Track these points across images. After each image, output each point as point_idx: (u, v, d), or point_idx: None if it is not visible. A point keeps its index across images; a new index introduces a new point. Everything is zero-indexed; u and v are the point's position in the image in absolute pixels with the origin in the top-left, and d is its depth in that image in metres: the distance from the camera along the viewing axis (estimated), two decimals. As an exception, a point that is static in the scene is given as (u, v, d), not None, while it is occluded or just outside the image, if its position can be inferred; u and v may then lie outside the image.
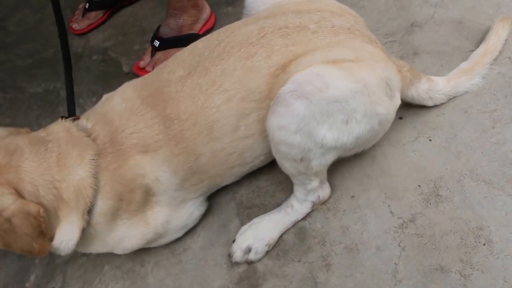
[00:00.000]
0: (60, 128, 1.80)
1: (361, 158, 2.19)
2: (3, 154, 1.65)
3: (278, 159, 1.87)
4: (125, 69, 2.78)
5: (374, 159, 2.19)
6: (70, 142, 1.74)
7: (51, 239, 1.72)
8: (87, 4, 2.99)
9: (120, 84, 2.54)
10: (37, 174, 1.65)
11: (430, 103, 2.26)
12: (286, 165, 1.86)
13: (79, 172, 1.70)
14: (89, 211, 1.74)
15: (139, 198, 1.82)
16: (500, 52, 2.41)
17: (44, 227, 1.63)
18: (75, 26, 2.97)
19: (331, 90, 1.70)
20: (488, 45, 2.37)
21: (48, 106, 2.69)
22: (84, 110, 2.54)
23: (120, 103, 1.85)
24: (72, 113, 1.98)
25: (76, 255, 2.16)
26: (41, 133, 1.80)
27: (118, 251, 1.97)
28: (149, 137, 1.79)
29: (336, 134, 1.77)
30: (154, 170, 1.81)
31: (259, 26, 1.86)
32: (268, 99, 1.79)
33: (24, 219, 1.59)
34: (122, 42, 2.93)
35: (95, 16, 2.99)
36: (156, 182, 1.82)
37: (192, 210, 2.02)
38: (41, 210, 1.62)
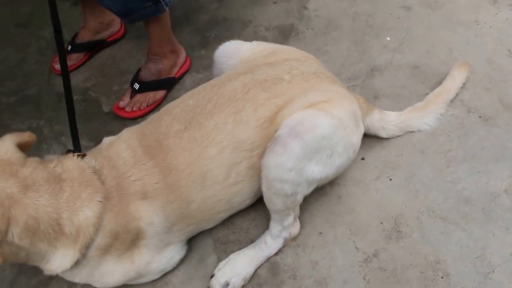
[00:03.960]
0: (74, 166, 1.88)
1: (328, 197, 2.33)
2: (21, 187, 1.71)
3: (268, 196, 2.01)
4: (105, 108, 2.86)
5: (339, 198, 2.32)
6: (83, 184, 1.83)
7: (45, 261, 1.80)
8: (69, 47, 3.08)
9: (100, 123, 2.67)
10: (45, 213, 1.72)
11: (383, 134, 2.46)
12: (276, 201, 2.01)
13: (85, 212, 1.79)
14: (87, 246, 1.83)
15: (131, 238, 1.93)
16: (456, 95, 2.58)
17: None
18: (58, 66, 3.01)
19: (319, 129, 1.90)
20: (443, 87, 2.56)
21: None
22: (66, 147, 2.63)
23: (125, 150, 1.96)
24: (78, 150, 2.05)
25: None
26: (57, 168, 1.85)
27: (99, 284, 2.04)
28: (149, 184, 1.91)
29: (322, 168, 1.97)
30: (150, 214, 1.92)
31: (242, 82, 2.04)
32: (259, 148, 1.97)
33: None
34: (102, 82, 3.01)
35: (76, 57, 3.07)
36: (150, 225, 1.94)
37: (173, 254, 2.12)
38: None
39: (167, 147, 1.95)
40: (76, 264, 1.85)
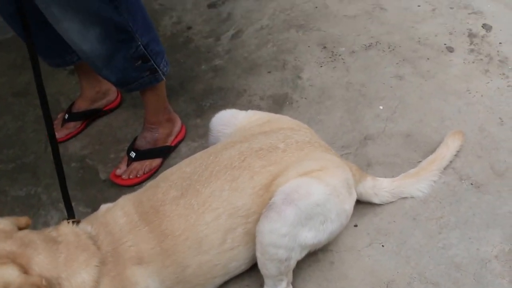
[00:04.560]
0: (70, 231, 1.92)
1: (320, 263, 2.34)
2: (19, 244, 1.76)
3: (262, 261, 2.05)
4: (102, 176, 2.89)
5: (332, 264, 2.33)
6: (79, 247, 1.87)
7: None
8: (67, 115, 3.12)
9: (97, 190, 2.70)
10: (45, 269, 1.75)
11: (376, 200, 2.48)
12: (270, 266, 2.04)
13: (83, 275, 1.82)
14: None
15: None
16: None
17: None
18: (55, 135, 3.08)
19: (313, 196, 1.97)
20: (437, 155, 2.59)
21: (30, 209, 2.76)
22: (63, 214, 2.58)
23: (121, 217, 2.00)
24: (71, 217, 2.09)
25: None
26: (52, 232, 1.91)
27: None
28: (144, 250, 1.94)
29: (315, 234, 2.03)
30: (146, 279, 1.94)
31: (238, 150, 2.10)
32: (254, 214, 2.02)
33: None
34: (99, 150, 3.04)
35: (73, 126, 3.11)
36: None
37: None
38: (43, 280, 1.70)
39: (163, 213, 1.99)
40: None
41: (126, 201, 2.10)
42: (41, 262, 1.77)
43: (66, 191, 2.19)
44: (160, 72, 2.66)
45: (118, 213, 2.03)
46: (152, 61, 2.59)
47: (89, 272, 1.84)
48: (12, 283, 1.66)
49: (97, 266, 1.86)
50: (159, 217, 1.99)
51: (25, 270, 1.72)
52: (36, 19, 2.39)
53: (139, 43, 2.49)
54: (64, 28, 2.35)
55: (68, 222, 1.98)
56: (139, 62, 2.55)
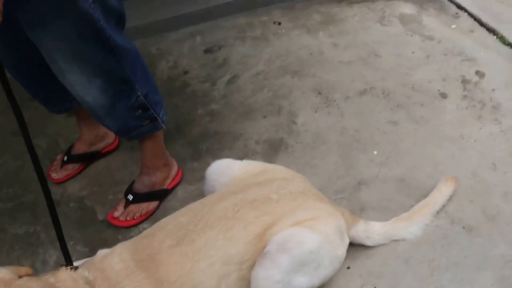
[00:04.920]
0: (67, 277, 1.95)
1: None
2: None
3: None
4: (100, 217, 2.92)
5: (325, 306, 2.36)
6: None
7: None
8: (66, 157, 3.15)
9: (95, 230, 2.75)
10: None
11: (368, 243, 2.51)
12: None
13: None
14: None
15: None
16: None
17: None
18: (54, 175, 3.12)
19: (306, 244, 2.04)
20: (429, 199, 2.63)
21: (29, 247, 2.78)
22: (61, 254, 2.68)
23: (118, 263, 2.03)
24: (69, 264, 2.12)
25: None
26: (50, 279, 1.94)
27: None
28: None
29: (309, 279, 2.10)
30: None
31: (232, 202, 2.16)
32: (248, 261, 2.06)
33: None
34: (97, 192, 3.07)
35: (72, 167, 3.15)
36: None
37: None
38: None
39: (159, 261, 2.03)
40: None
41: (123, 248, 2.13)
42: None
43: (62, 236, 2.23)
44: (159, 120, 2.71)
45: (115, 259, 2.06)
46: (152, 110, 2.64)
47: None
48: None
49: None
50: (155, 265, 2.02)
51: None
52: (40, 71, 2.52)
53: (139, 93, 2.54)
54: (69, 80, 2.40)
55: (66, 269, 2.02)
56: (139, 111, 2.60)
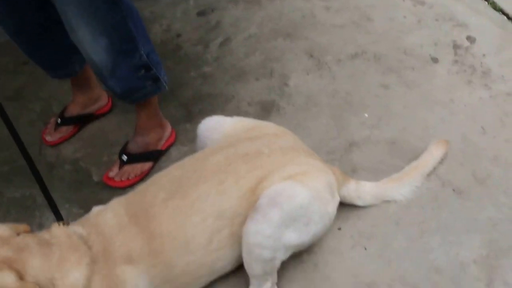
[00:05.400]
0: (62, 233, 1.97)
1: (304, 264, 2.40)
2: (15, 250, 1.82)
3: (248, 261, 2.12)
4: (95, 178, 2.94)
5: (316, 266, 2.40)
6: (71, 248, 1.92)
7: None
8: (59, 120, 3.16)
9: (90, 192, 2.76)
10: (40, 271, 1.81)
11: (359, 203, 2.56)
12: (256, 266, 2.12)
13: (75, 275, 1.87)
14: None
15: None
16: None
17: None
18: (48, 138, 3.13)
19: (296, 199, 2.05)
20: (420, 161, 2.66)
21: (25, 211, 2.81)
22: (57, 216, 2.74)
23: (111, 218, 2.06)
24: (60, 219, 2.14)
25: None
26: (45, 235, 1.97)
27: None
28: (134, 249, 2.00)
29: (299, 235, 2.11)
30: (135, 278, 2.00)
31: (225, 155, 2.17)
32: (240, 216, 2.09)
33: None
34: (91, 153, 3.09)
35: (66, 130, 3.15)
36: None
37: None
38: (37, 287, 1.77)
39: (152, 215, 2.05)
40: None
41: (116, 203, 2.16)
42: (36, 265, 1.83)
43: (49, 195, 2.26)
44: (162, 81, 2.74)
45: (108, 215, 2.09)
46: (154, 70, 2.66)
47: (81, 271, 1.90)
48: None
49: (88, 265, 1.92)
50: (148, 218, 2.05)
51: (21, 275, 1.77)
52: (41, 33, 2.58)
53: (142, 52, 2.56)
54: (78, 38, 2.42)
55: (59, 225, 2.04)
56: (142, 71, 2.62)
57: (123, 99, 2.78)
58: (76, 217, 2.26)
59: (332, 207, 2.27)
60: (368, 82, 3.28)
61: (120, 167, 2.90)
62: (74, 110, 3.18)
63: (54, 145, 3.14)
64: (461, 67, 3.29)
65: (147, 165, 2.93)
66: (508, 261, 2.36)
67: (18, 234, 1.93)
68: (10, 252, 1.81)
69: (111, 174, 2.90)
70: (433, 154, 2.71)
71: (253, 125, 2.48)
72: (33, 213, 2.80)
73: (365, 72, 3.35)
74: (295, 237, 2.10)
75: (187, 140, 3.06)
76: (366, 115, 3.07)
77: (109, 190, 2.84)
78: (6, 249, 1.81)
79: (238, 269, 2.29)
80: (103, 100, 3.26)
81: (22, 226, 2.00)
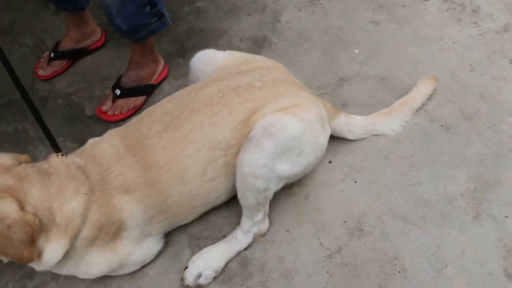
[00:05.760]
0: (60, 163, 2.02)
1: (296, 197, 2.46)
2: (16, 179, 1.86)
3: (242, 191, 2.16)
4: (88, 112, 2.95)
5: (307, 198, 2.46)
6: (69, 177, 1.97)
7: (39, 255, 1.91)
8: (52, 54, 3.15)
9: (84, 126, 2.77)
10: (39, 200, 1.86)
11: (349, 136, 2.61)
12: (249, 196, 2.16)
13: (73, 204, 1.92)
14: (75, 236, 1.96)
15: (114, 229, 2.05)
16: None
17: (35, 236, 1.82)
18: (41, 72, 3.13)
19: (289, 130, 2.08)
20: (409, 97, 2.70)
21: (18, 145, 2.82)
22: (51, 149, 2.59)
23: (108, 149, 2.10)
24: (58, 151, 2.21)
25: (46, 281, 2.30)
26: (44, 165, 2.01)
27: (84, 275, 2.17)
28: (130, 179, 2.04)
29: (292, 166, 2.15)
30: (131, 207, 2.05)
31: (217, 88, 2.19)
32: (234, 147, 2.12)
33: (22, 227, 1.78)
34: (84, 88, 3.09)
35: (59, 64, 3.15)
36: (131, 217, 2.07)
37: (152, 246, 2.25)
38: (37, 220, 1.81)
39: (147, 146, 2.08)
40: (65, 255, 1.97)
41: (112, 134, 2.19)
42: (36, 194, 1.87)
43: (46, 127, 2.30)
44: (166, 17, 2.75)
45: (105, 145, 2.13)
46: (159, 6, 2.68)
47: (79, 200, 1.95)
48: (8, 218, 1.77)
49: (86, 194, 1.97)
50: (144, 149, 2.08)
51: (21, 204, 1.82)
52: None
53: None
54: None
55: (57, 155, 2.08)
56: (148, 8, 2.64)
57: (128, 37, 2.78)
58: (70, 150, 2.28)
59: (324, 138, 2.31)
60: (359, 19, 3.30)
61: (113, 101, 2.91)
62: (67, 44, 3.18)
63: (47, 79, 3.14)
64: (451, 5, 3.32)
65: (140, 99, 2.95)
66: (494, 195, 2.43)
67: (19, 164, 1.97)
68: (12, 181, 1.85)
69: (104, 108, 2.91)
70: (422, 89, 2.75)
71: (245, 58, 2.50)
72: (26, 147, 2.81)
73: (356, 9, 3.36)
74: (287, 168, 2.13)
75: (179, 75, 3.08)
76: (357, 51, 3.10)
77: (102, 124, 2.86)
78: (8, 178, 1.86)
79: (231, 201, 2.36)
80: (96, 35, 3.25)
81: (24, 157, 2.04)
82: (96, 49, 3.30)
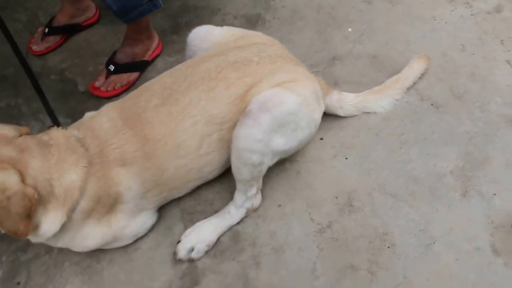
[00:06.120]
0: (60, 135, 2.04)
1: (287, 172, 2.49)
2: (18, 151, 1.88)
3: (237, 165, 2.18)
4: (81, 88, 2.97)
5: (298, 173, 2.49)
6: (69, 149, 1.99)
7: (37, 226, 1.94)
8: (47, 29, 3.17)
9: (76, 102, 2.78)
10: (39, 172, 1.89)
11: (341, 113, 2.64)
12: (244, 170, 2.18)
13: (72, 176, 1.95)
14: (73, 209, 1.98)
15: (111, 202, 2.09)
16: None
17: (32, 210, 1.84)
18: (35, 48, 3.15)
19: (286, 105, 2.10)
20: (401, 75, 2.72)
21: (11, 120, 2.81)
22: (44, 124, 2.75)
23: (106, 122, 2.11)
24: (56, 124, 2.21)
25: (39, 254, 2.34)
26: (44, 137, 2.03)
27: (79, 248, 2.19)
28: (128, 152, 2.07)
29: (287, 141, 2.18)
30: (128, 180, 2.08)
31: (215, 63, 2.21)
32: (229, 122, 2.15)
33: (21, 199, 1.80)
34: (78, 64, 3.11)
35: (53, 39, 3.17)
36: (128, 190, 2.10)
37: (146, 219, 2.28)
38: (36, 194, 1.84)
39: (145, 119, 2.11)
40: (61, 228, 1.99)
41: (110, 108, 2.20)
42: (36, 165, 1.90)
43: (46, 100, 2.31)
44: None
45: (103, 118, 2.14)
46: None
47: (78, 173, 1.97)
48: (9, 189, 1.79)
49: (85, 167, 1.99)
50: (142, 123, 2.10)
51: (22, 176, 1.84)
52: None
53: None
54: None
55: (57, 128, 2.10)
56: None
57: (119, 17, 2.78)
58: (63, 126, 2.30)
59: (318, 114, 2.33)
60: (352, -2, 3.31)
61: (107, 76, 2.92)
62: (61, 19, 3.20)
63: (41, 55, 3.15)
64: (444, -16, 3.32)
65: (134, 75, 2.96)
66: (482, 172, 2.46)
67: (21, 135, 1.99)
68: (13, 152, 1.88)
69: (97, 84, 2.92)
70: (414, 68, 2.77)
71: (243, 34, 2.51)
72: (18, 123, 2.82)
73: (349, -12, 3.37)
74: (283, 143, 2.16)
75: (173, 51, 3.10)
76: (350, 29, 3.12)
77: (95, 100, 2.89)
78: (10, 149, 1.88)
79: (223, 177, 2.39)
80: (91, 11, 3.27)
81: (24, 129, 2.06)
82: (90, 26, 3.31)
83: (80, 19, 3.24)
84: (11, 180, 1.81)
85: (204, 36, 2.51)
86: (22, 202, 1.80)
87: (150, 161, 2.10)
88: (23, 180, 1.84)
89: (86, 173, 1.99)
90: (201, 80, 2.16)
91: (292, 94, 2.13)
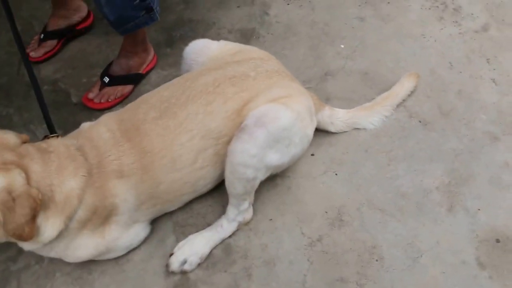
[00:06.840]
0: (59, 143, 2.07)
1: (278, 188, 2.53)
2: (18, 156, 1.90)
3: (231, 180, 2.21)
4: (74, 99, 2.98)
5: (289, 188, 2.53)
6: (69, 157, 2.02)
7: (36, 231, 1.93)
8: (42, 35, 3.18)
9: (69, 113, 2.80)
10: (40, 176, 1.91)
11: (332, 129, 2.67)
12: (238, 185, 2.21)
13: (71, 184, 1.97)
14: (71, 217, 2.00)
15: (106, 213, 2.10)
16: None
17: (37, 211, 1.86)
18: (33, 54, 3.13)
19: (281, 120, 2.13)
20: (391, 92, 2.76)
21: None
22: (34, 135, 2.75)
23: (105, 132, 2.14)
24: (53, 133, 2.25)
25: (29, 264, 2.35)
26: (42, 144, 2.05)
27: (71, 258, 2.20)
28: (125, 164, 2.09)
29: (280, 156, 2.21)
30: (125, 192, 2.10)
31: (213, 77, 2.24)
32: (225, 136, 2.18)
33: (27, 200, 1.82)
34: (71, 74, 3.12)
35: (50, 45, 3.17)
36: (124, 202, 2.12)
37: (139, 231, 2.30)
38: (40, 195, 1.86)
39: (144, 132, 2.13)
40: (58, 235, 2.01)
41: (108, 118, 2.23)
42: (37, 170, 1.92)
43: (46, 109, 2.33)
44: (155, 11, 2.75)
45: (102, 129, 2.17)
46: (149, 0, 2.68)
47: (77, 181, 2.00)
48: (16, 190, 1.81)
49: (84, 176, 2.02)
50: (140, 135, 2.12)
51: (27, 178, 1.87)
52: None
53: None
54: None
55: (56, 137, 2.14)
56: (137, 0, 2.63)
57: (115, 28, 2.78)
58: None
59: (311, 130, 2.37)
60: (345, 14, 3.35)
61: (101, 88, 2.93)
62: (55, 23, 3.21)
63: (40, 61, 3.16)
64: (434, 3, 3.38)
65: (128, 88, 2.97)
66: (467, 188, 2.51)
67: (23, 143, 2.02)
68: (16, 157, 1.90)
69: (91, 95, 2.93)
70: (404, 85, 2.81)
71: (239, 49, 2.54)
72: (9, 133, 2.82)
73: (342, 4, 3.41)
74: (276, 158, 2.19)
75: (166, 65, 3.11)
76: (342, 46, 3.16)
77: (88, 112, 2.89)
78: (11, 155, 1.90)
79: (215, 191, 2.43)
80: (82, 11, 3.27)
81: (25, 136, 2.08)
82: (85, 30, 3.32)
83: (73, 20, 3.24)
84: (17, 181, 1.83)
85: (201, 50, 2.54)
86: (27, 203, 1.82)
87: (146, 174, 2.13)
88: (28, 182, 1.87)
89: (85, 183, 2.02)
90: (199, 94, 2.19)
91: (287, 110, 2.16)
